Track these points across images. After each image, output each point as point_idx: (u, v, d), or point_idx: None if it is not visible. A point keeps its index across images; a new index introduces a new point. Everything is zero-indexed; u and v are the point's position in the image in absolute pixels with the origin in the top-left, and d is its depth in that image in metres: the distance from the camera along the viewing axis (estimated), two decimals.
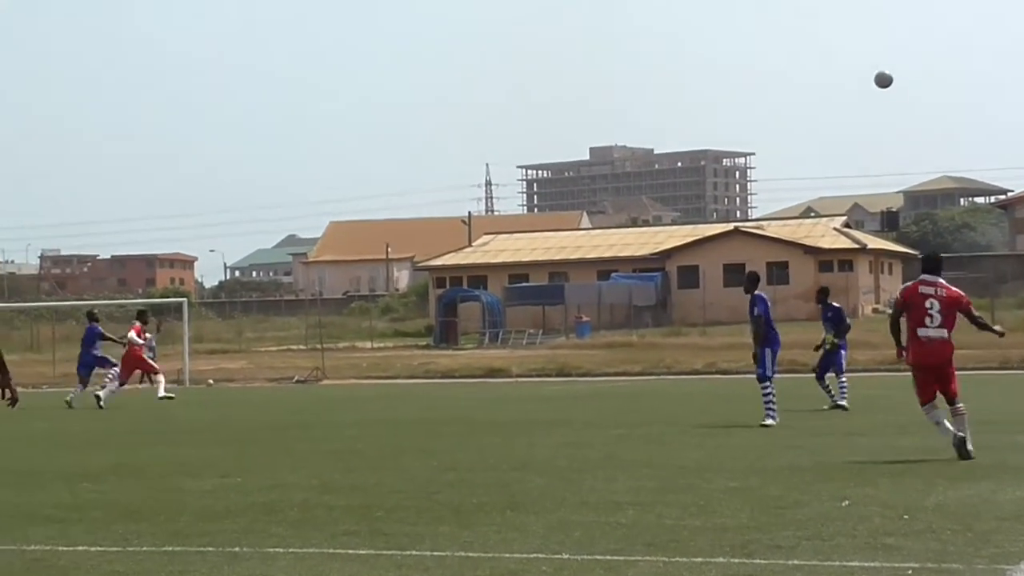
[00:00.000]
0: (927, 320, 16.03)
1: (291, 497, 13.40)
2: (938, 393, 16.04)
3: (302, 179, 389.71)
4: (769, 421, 21.82)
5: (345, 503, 12.86)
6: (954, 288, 16.43)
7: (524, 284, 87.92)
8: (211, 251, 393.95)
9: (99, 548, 10.47)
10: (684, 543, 10.11)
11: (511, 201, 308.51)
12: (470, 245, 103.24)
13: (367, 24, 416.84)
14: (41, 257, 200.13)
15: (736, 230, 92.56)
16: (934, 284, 16.25)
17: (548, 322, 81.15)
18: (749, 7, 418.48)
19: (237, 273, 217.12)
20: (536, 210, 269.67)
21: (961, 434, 15.71)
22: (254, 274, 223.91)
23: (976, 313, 16.85)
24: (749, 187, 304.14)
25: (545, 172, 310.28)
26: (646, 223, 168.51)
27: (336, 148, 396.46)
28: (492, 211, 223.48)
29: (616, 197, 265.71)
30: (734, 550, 9.74)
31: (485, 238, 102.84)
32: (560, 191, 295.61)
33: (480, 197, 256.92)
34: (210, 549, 10.27)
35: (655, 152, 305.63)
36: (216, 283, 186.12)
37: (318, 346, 63.33)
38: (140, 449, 20.40)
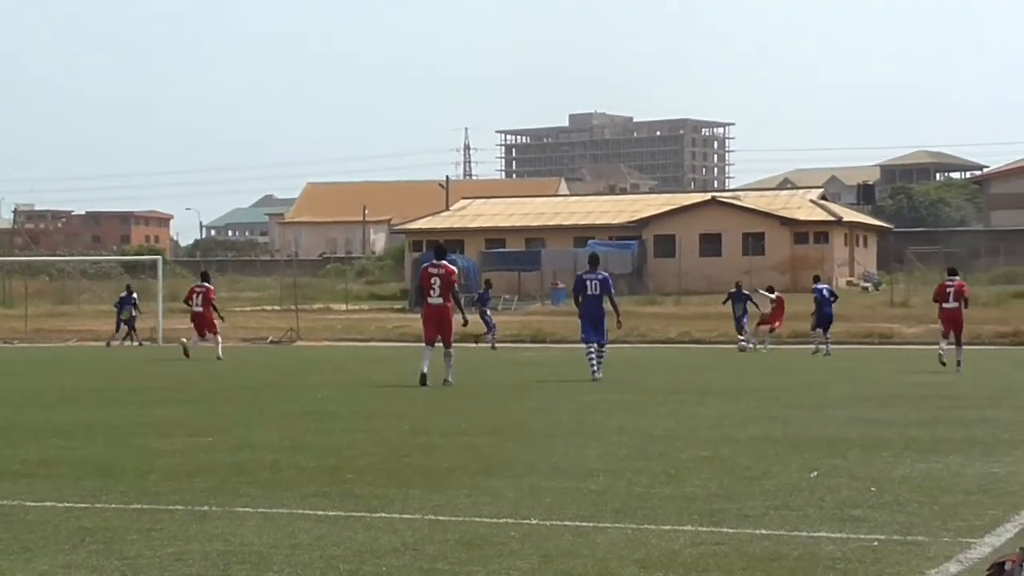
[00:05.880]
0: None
1: (262, 457, 13.39)
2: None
3: (280, 139, 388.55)
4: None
5: (316, 464, 12.86)
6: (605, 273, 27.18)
7: (501, 250, 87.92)
8: (187, 209, 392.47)
9: (67, 504, 10.45)
10: (653, 511, 10.13)
11: (490, 166, 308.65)
12: (447, 209, 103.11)
13: None
14: (15, 212, 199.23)
15: (713, 200, 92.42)
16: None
17: (524, 288, 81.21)
18: None
19: (213, 232, 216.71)
20: (515, 176, 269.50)
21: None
22: (230, 233, 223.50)
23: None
24: (727, 157, 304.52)
25: (524, 138, 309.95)
26: (624, 191, 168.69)
27: (316, 109, 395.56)
28: (470, 176, 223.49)
29: (595, 164, 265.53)
30: (702, 518, 9.77)
31: (462, 202, 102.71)
32: (539, 157, 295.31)
33: (459, 161, 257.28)
34: (179, 507, 10.25)
35: (634, 120, 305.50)
36: (192, 242, 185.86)
37: (292, 307, 63.31)
38: (111, 407, 20.37)
